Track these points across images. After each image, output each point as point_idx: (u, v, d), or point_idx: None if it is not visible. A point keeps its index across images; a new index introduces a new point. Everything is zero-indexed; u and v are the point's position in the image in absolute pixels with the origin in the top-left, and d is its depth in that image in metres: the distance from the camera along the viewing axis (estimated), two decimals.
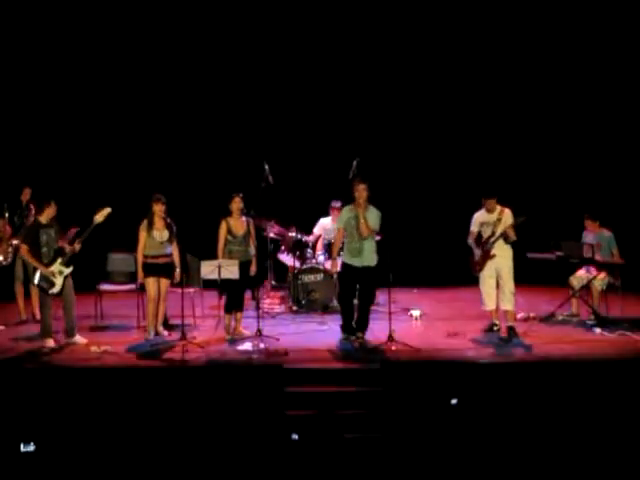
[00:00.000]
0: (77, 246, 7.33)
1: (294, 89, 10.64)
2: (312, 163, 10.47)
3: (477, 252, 7.70)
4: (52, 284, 7.25)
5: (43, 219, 7.35)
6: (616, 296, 8.22)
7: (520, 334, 7.53)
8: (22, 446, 5.88)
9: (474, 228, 7.77)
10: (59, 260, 7.27)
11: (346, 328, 7.59)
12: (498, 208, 7.64)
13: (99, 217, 7.35)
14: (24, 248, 7.34)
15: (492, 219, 7.63)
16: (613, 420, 6.20)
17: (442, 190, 10.70)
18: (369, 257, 7.46)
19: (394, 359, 6.84)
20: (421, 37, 10.56)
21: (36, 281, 7.29)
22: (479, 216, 7.76)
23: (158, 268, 7.58)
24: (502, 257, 7.59)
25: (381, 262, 7.52)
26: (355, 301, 7.71)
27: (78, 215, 7.72)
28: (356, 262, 7.45)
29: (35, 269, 7.30)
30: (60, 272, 7.27)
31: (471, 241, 7.78)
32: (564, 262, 8.39)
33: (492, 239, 7.58)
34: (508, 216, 7.59)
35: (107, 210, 7.41)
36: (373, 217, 7.45)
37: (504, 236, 7.51)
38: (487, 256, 7.60)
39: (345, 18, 10.47)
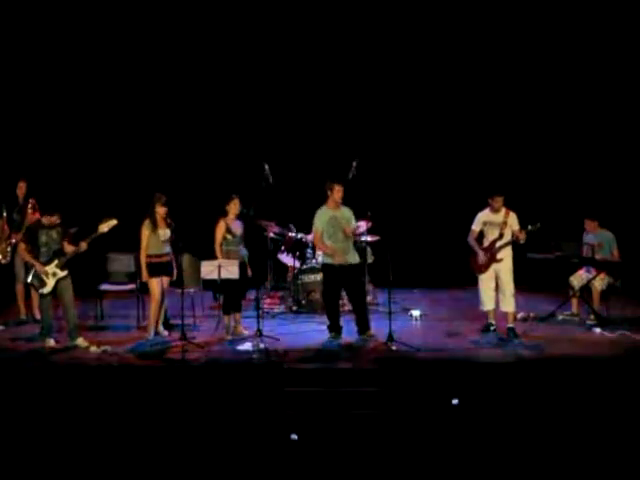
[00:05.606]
0: (83, 245, 7.28)
1: (293, 90, 10.62)
2: (312, 163, 10.45)
3: (480, 253, 7.63)
4: (43, 283, 7.25)
5: (45, 221, 7.35)
6: (616, 296, 8.22)
7: (520, 334, 7.54)
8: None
9: (476, 227, 7.71)
10: (55, 262, 7.26)
11: (333, 327, 7.62)
12: (503, 210, 7.59)
13: (104, 227, 7.30)
14: (22, 247, 7.39)
15: (498, 220, 7.57)
16: (613, 420, 6.20)
17: (442, 190, 10.68)
18: (354, 255, 7.61)
19: (394, 359, 6.84)
20: (421, 37, 10.54)
21: (29, 279, 7.32)
22: (483, 215, 7.69)
23: (162, 267, 7.59)
24: (502, 258, 7.57)
25: (381, 262, 7.52)
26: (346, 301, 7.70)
27: (76, 213, 7.71)
28: (342, 261, 7.51)
29: (30, 267, 7.32)
30: (54, 274, 7.26)
31: (471, 240, 7.73)
32: (564, 262, 8.40)
33: (500, 243, 7.53)
34: (514, 220, 7.55)
35: (113, 222, 7.34)
36: (351, 216, 7.65)
37: (513, 241, 7.50)
38: (493, 259, 7.57)
39: (344, 18, 10.45)
